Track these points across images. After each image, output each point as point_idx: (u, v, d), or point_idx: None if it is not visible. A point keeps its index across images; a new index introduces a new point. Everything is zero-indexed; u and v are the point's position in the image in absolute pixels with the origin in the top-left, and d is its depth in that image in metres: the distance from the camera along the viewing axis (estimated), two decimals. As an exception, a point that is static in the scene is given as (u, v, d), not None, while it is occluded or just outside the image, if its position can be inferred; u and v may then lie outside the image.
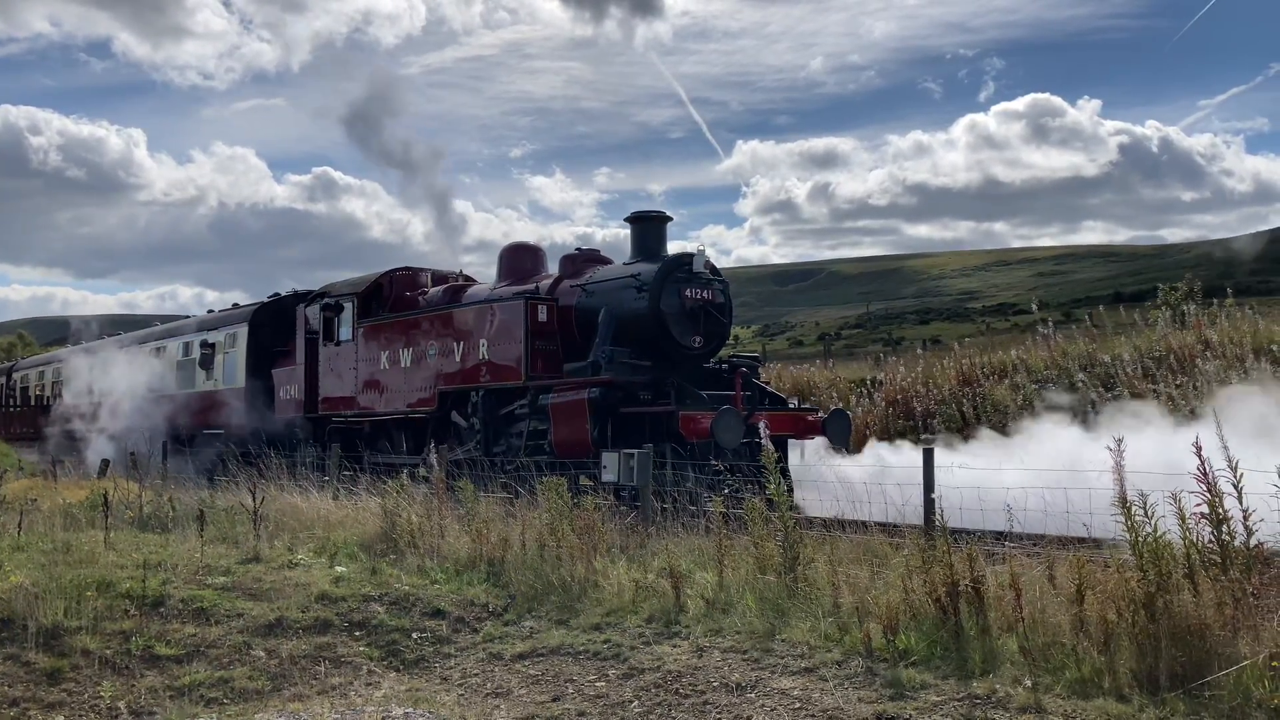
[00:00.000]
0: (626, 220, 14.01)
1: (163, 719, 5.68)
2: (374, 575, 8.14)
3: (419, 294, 16.77)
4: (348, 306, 17.04)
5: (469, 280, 17.14)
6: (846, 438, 13.14)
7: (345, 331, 17.01)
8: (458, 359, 14.45)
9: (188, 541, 9.24)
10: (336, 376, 17.08)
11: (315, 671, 6.52)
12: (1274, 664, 4.54)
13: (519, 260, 15.52)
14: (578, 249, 14.73)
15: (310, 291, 18.88)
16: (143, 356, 23.74)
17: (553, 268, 15.12)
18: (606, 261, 14.50)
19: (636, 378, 12.51)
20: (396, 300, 16.83)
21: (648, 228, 13.82)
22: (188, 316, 26.46)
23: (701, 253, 13.24)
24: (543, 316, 13.52)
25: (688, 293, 12.97)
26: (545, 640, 6.77)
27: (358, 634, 7.10)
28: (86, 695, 5.94)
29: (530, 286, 14.35)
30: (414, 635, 7.12)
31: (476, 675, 6.45)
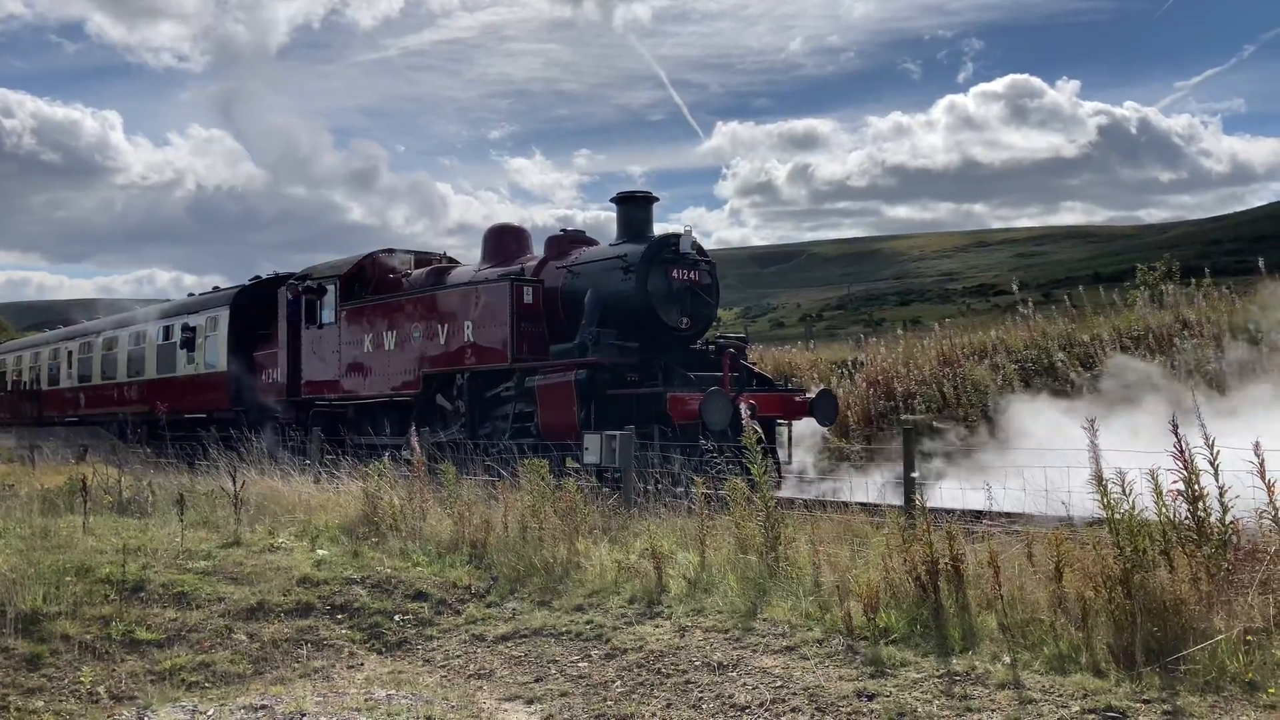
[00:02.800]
0: (612, 201, 13.89)
1: (143, 703, 5.65)
2: (356, 558, 8.13)
3: (402, 276, 16.59)
4: (330, 289, 16.87)
5: (453, 262, 16.99)
6: (834, 417, 13.12)
7: (328, 314, 16.85)
8: (442, 341, 14.33)
9: (168, 526, 9.20)
10: (319, 360, 16.93)
11: (297, 654, 6.51)
12: (1248, 639, 4.60)
13: (503, 242, 15.38)
14: (562, 230, 14.60)
15: (292, 274, 18.68)
16: (124, 340, 23.54)
17: (537, 249, 15.01)
18: (592, 243, 14.39)
19: (624, 359, 12.44)
20: (379, 282, 16.64)
21: (634, 208, 13.70)
22: (166, 300, 26.22)
23: (688, 233, 13.12)
24: (528, 298, 13.42)
25: (674, 273, 12.89)
26: (528, 622, 6.79)
27: (339, 617, 7.09)
28: (66, 680, 5.92)
29: (515, 268, 14.22)
30: (396, 618, 7.12)
31: (459, 657, 6.46)
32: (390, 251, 17.19)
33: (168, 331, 21.75)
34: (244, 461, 12.16)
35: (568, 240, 14.37)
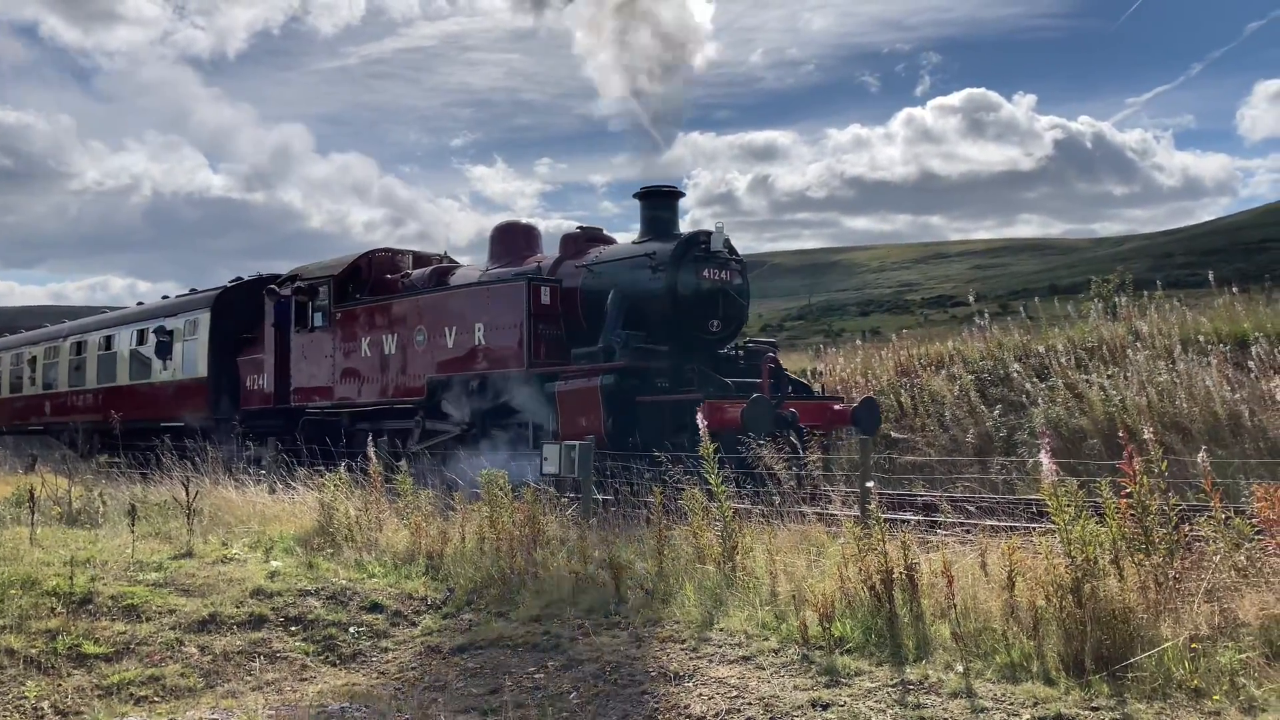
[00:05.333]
0: (635, 196, 13.02)
1: (90, 718, 5.55)
2: (310, 570, 8.05)
3: (401, 277, 15.77)
4: (323, 290, 15.99)
5: (452, 262, 16.22)
6: (876, 427, 12.40)
7: (320, 317, 15.96)
8: (450, 345, 13.54)
9: (118, 537, 9.05)
10: (311, 365, 16.07)
11: (249, 667, 6.42)
12: (1193, 646, 4.67)
13: (512, 240, 14.62)
14: (579, 227, 13.85)
15: (278, 275, 17.93)
16: (90, 346, 22.39)
17: (548, 248, 14.34)
18: (609, 241, 13.70)
19: (654, 363, 11.68)
20: (376, 284, 15.82)
21: (658, 203, 12.86)
22: (121, 307, 25.36)
23: (720, 230, 12.32)
24: (545, 299, 12.62)
25: (705, 273, 12.08)
26: (484, 633, 6.75)
27: (293, 629, 7.01)
28: (10, 696, 5.79)
29: (530, 267, 13.52)
30: (351, 629, 7.05)
31: (414, 669, 6.41)
32: (387, 251, 16.42)
33: (141, 336, 20.56)
34: (198, 471, 11.97)
35: (585, 238, 13.64)
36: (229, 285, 19.21)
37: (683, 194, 13.06)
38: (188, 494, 9.56)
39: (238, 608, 7.17)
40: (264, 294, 17.34)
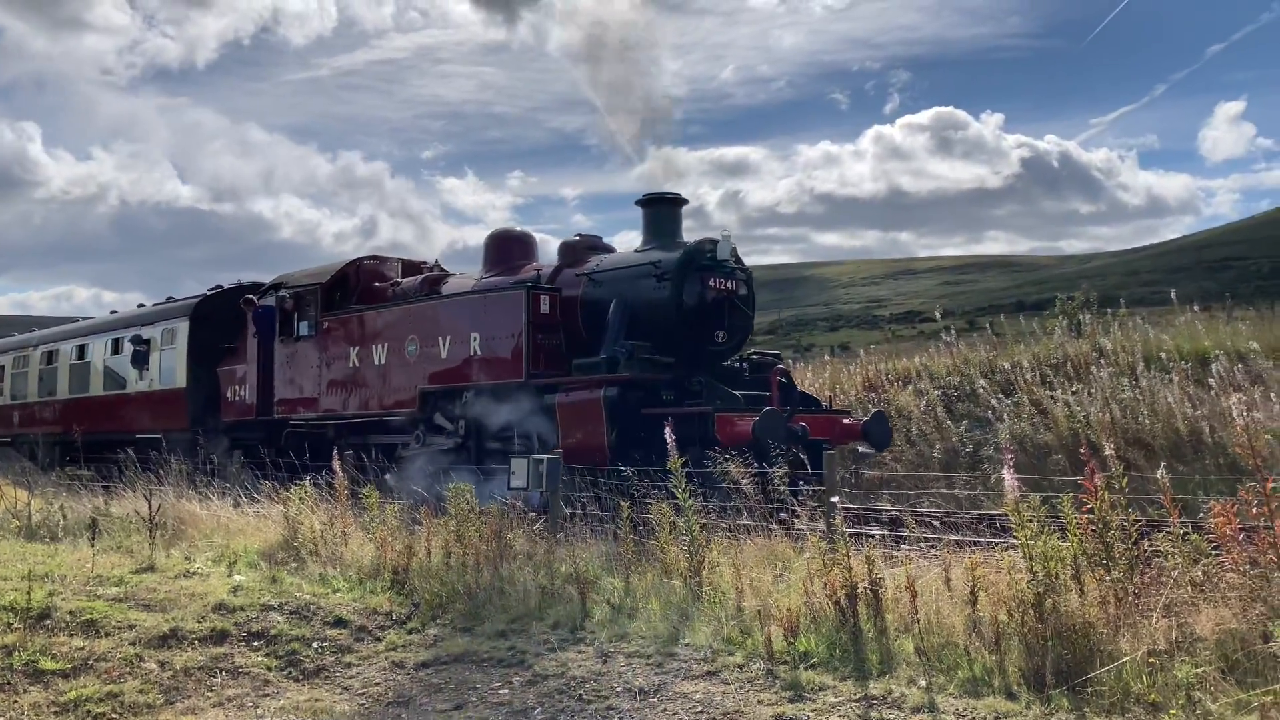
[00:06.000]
0: (637, 203, 12.76)
1: (47, 735, 5.47)
2: (274, 584, 7.97)
3: (390, 285, 15.46)
4: (309, 299, 15.54)
5: (444, 271, 15.75)
6: (888, 441, 12.18)
7: (306, 326, 15.51)
8: (444, 355, 13.17)
9: (78, 551, 8.94)
10: (296, 376, 15.62)
11: (210, 683, 6.35)
12: (1151, 660, 4.73)
13: (507, 248, 14.31)
14: (578, 235, 13.59)
15: (259, 283, 17.55)
16: (62, 355, 21.77)
17: (542, 257, 14.10)
18: (609, 249, 13.42)
19: (660, 375, 11.39)
20: (364, 292, 15.46)
21: (661, 211, 12.56)
22: (86, 317, 24.81)
23: (727, 238, 12.01)
24: (545, 308, 12.28)
25: (711, 282, 11.79)
26: (449, 648, 6.71)
27: (256, 644, 6.94)
28: (-35, 712, 5.70)
29: (529, 275, 13.21)
30: (314, 644, 6.98)
31: (378, 684, 6.36)
32: (375, 258, 16.07)
33: (116, 345, 19.94)
34: (161, 484, 11.84)
35: (584, 246, 13.35)
36: (208, 293, 18.68)
37: (686, 201, 12.80)
38: (150, 507, 9.44)
39: (199, 622, 7.08)
40: (245, 303, 16.88)
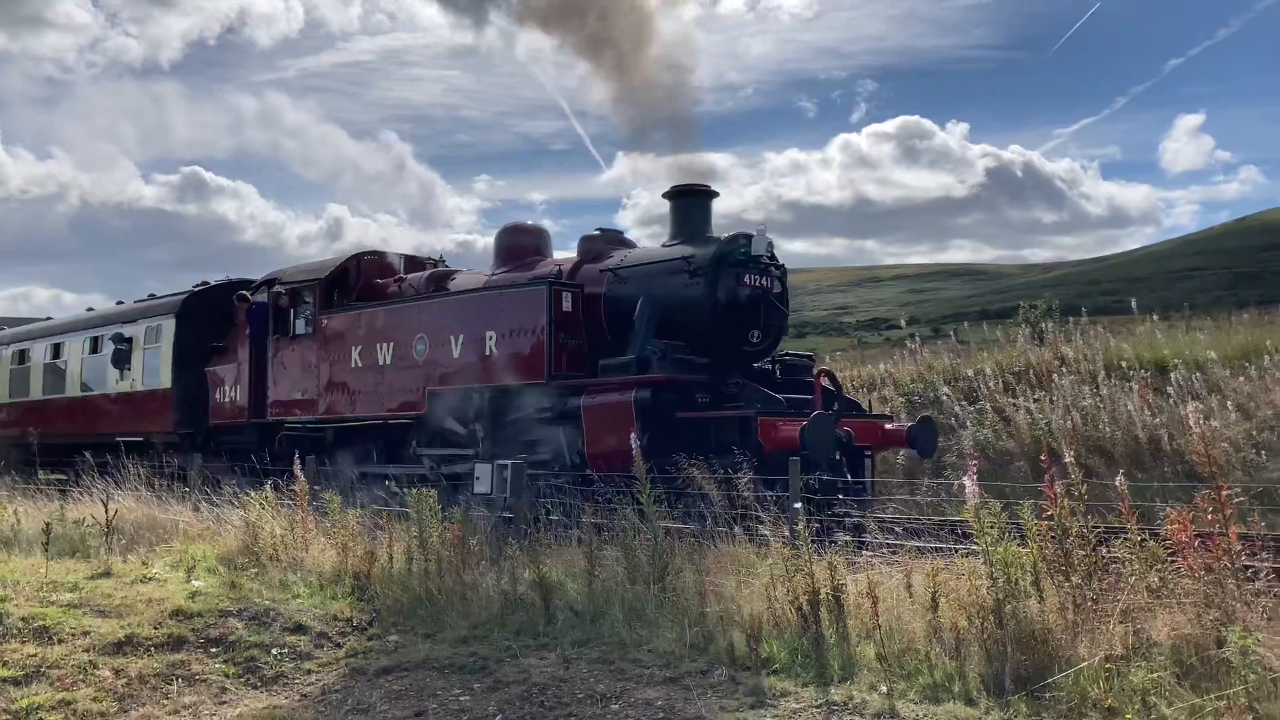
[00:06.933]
0: (665, 196, 12.08)
1: (-4, 744, 5.37)
2: (233, 589, 7.88)
3: (394, 281, 14.73)
4: (307, 295, 14.83)
5: (449, 268, 15.14)
6: (934, 448, 11.54)
7: (304, 324, 14.81)
8: (455, 354, 12.44)
9: (32, 557, 8.78)
10: (292, 376, 14.89)
11: (166, 691, 6.25)
12: (1108, 665, 4.77)
13: (519, 243, 13.67)
14: (598, 229, 12.96)
15: (249, 280, 16.80)
16: (35, 354, 20.91)
17: (556, 253, 13.55)
18: (631, 244, 12.78)
19: (695, 376, 10.80)
20: (365, 288, 14.76)
21: (691, 203, 11.88)
22: (45, 318, 24.11)
23: (762, 232, 11.34)
24: (567, 305, 11.57)
25: (746, 279, 11.14)
26: (410, 654, 6.66)
27: (214, 650, 6.85)
28: (-88, 721, 5.58)
29: (546, 271, 12.57)
30: (274, 651, 6.90)
31: (338, 691, 6.29)
32: (377, 253, 15.38)
33: (95, 343, 19.05)
34: (119, 488, 11.66)
35: (604, 240, 12.70)
36: (195, 290, 17.89)
37: (717, 194, 12.09)
38: (106, 511, 9.30)
39: (156, 629, 6.98)
40: (237, 299, 16.22)
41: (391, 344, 13.38)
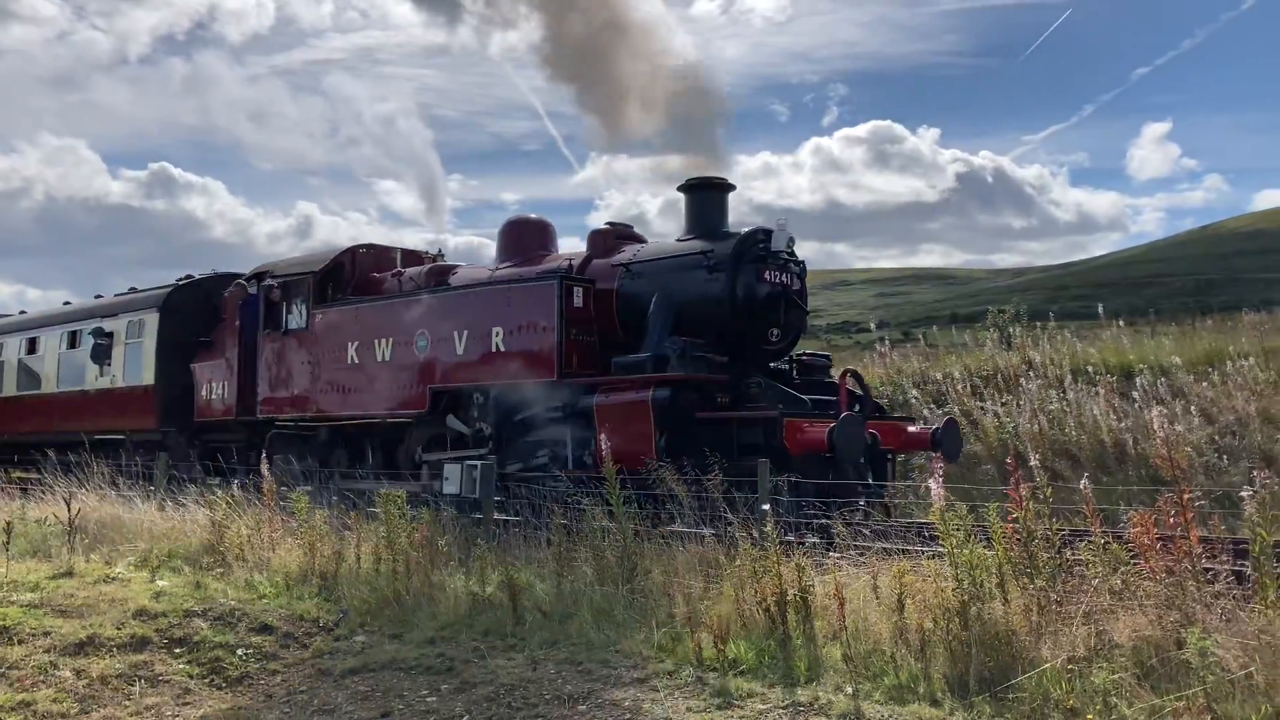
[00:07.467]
0: (680, 189, 11.72)
1: (-46, 746, 5.30)
2: (198, 589, 7.81)
3: (391, 275, 14.31)
4: (300, 289, 14.36)
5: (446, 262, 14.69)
6: (959, 452, 11.15)
7: (297, 319, 14.31)
8: (459, 351, 11.99)
9: (-8, 556, 8.66)
10: (284, 373, 14.40)
11: (129, 692, 6.19)
12: (1070, 667, 4.83)
13: (524, 236, 13.31)
14: (608, 223, 12.57)
15: (235, 274, 16.38)
16: (8, 349, 20.34)
17: (563, 247, 13.20)
18: (641, 239, 12.39)
19: (716, 375, 10.46)
20: (362, 282, 14.36)
21: (708, 197, 11.51)
22: (22, 312, 23.58)
23: (783, 227, 10.96)
24: (578, 300, 11.22)
25: (766, 275, 10.77)
26: (377, 655, 6.63)
27: (178, 651, 6.78)
28: None
29: (559, 265, 12.11)
30: (239, 652, 6.85)
31: (303, 692, 6.25)
32: (373, 247, 14.94)
33: (74, 338, 18.50)
34: (82, 486, 11.52)
35: (615, 235, 12.26)
36: (180, 283, 17.39)
37: (733, 187, 11.72)
38: (69, 510, 9.20)
39: (119, 629, 6.91)
40: (225, 293, 15.83)
41: (390, 340, 12.95)
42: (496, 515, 9.91)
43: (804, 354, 12.10)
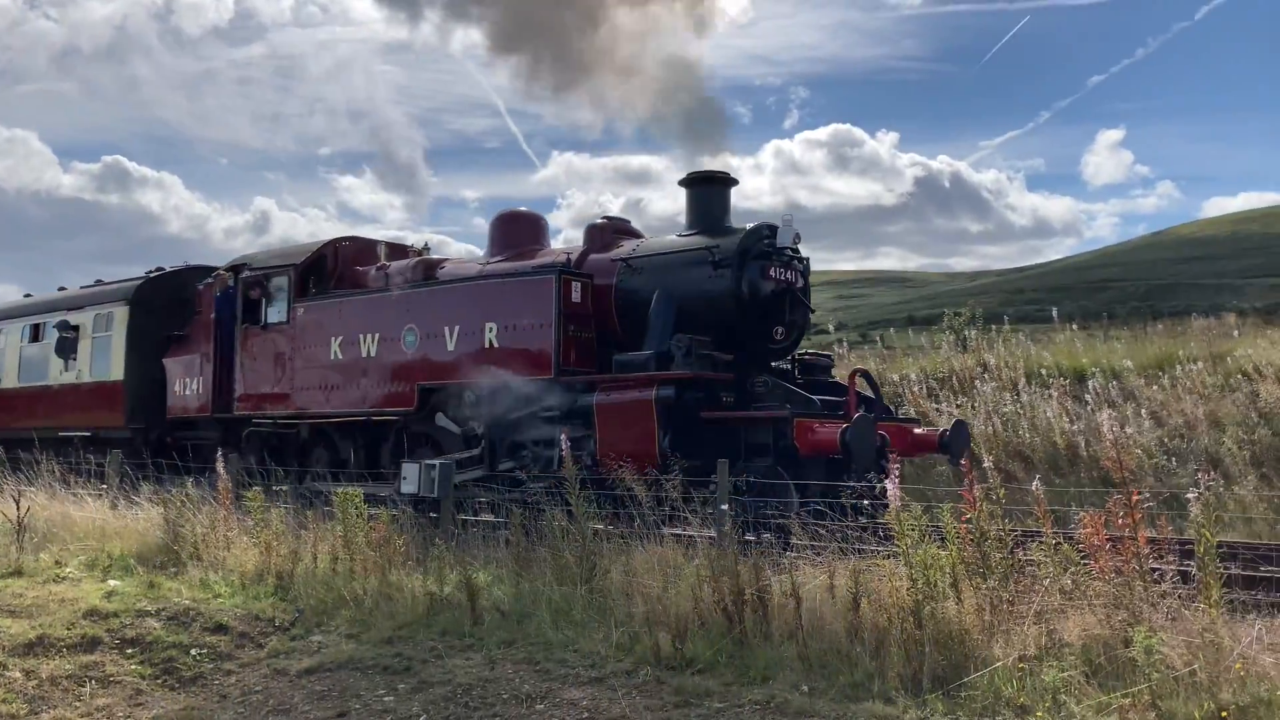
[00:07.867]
0: (681, 184, 11.48)
1: (-102, 748, 5.20)
2: (151, 589, 7.72)
3: (376, 268, 13.80)
4: (281, 282, 13.90)
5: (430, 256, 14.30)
6: (964, 454, 11.13)
7: (277, 312, 13.87)
8: (450, 346, 11.65)
9: (-62, 555, 8.50)
10: (263, 368, 13.93)
11: (79, 693, 6.12)
12: (1021, 665, 4.91)
13: (516, 231, 12.94)
14: (605, 218, 12.33)
15: (209, 266, 15.91)
16: None
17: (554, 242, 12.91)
18: (638, 234, 12.14)
19: (722, 374, 10.20)
20: (343, 276, 13.92)
21: (710, 192, 11.26)
22: None
23: (789, 223, 10.76)
24: (576, 296, 10.91)
25: (771, 272, 10.53)
26: (333, 655, 6.59)
27: (130, 651, 6.71)
28: None
29: (556, 259, 11.78)
30: (192, 652, 6.78)
31: (258, 692, 6.21)
32: (357, 240, 14.59)
33: (36, 331, 17.83)
34: (30, 484, 11.32)
35: (612, 230, 11.99)
36: (150, 275, 16.83)
37: (736, 182, 11.45)
38: (18, 508, 9.05)
39: (69, 629, 6.82)
40: (200, 286, 15.30)
41: (377, 335, 12.57)
42: (461, 515, 9.87)
43: (806, 353, 11.95)
